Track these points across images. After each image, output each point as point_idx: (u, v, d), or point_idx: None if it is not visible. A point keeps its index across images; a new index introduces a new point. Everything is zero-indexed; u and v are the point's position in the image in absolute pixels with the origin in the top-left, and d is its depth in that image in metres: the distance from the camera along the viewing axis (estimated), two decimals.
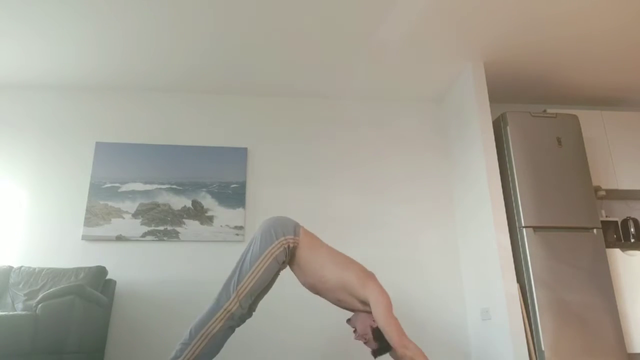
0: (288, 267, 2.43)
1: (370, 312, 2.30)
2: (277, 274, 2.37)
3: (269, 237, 2.28)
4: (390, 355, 2.44)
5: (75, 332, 2.59)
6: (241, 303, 2.20)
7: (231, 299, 2.19)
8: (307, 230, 2.40)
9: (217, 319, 2.17)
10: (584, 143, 3.51)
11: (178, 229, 3.59)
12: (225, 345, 2.28)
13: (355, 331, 2.39)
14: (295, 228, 2.34)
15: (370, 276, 2.32)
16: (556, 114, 3.57)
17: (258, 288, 2.25)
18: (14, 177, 3.64)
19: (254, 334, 3.40)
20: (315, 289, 2.37)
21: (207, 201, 3.69)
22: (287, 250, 2.29)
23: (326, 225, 3.73)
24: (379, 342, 2.30)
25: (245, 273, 2.23)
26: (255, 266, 2.24)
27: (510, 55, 3.58)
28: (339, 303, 2.38)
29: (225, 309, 2.18)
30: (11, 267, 3.20)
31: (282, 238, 2.28)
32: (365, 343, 2.37)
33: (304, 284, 2.41)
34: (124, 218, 3.57)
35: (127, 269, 3.46)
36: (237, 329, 3.38)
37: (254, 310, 2.36)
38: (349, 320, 2.44)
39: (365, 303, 2.30)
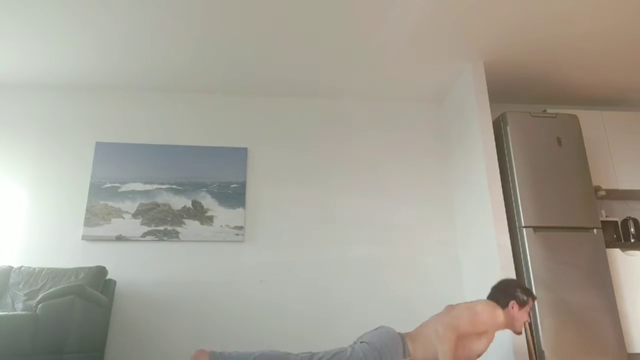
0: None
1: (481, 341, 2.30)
2: None
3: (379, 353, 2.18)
4: None
5: (75, 332, 2.59)
6: None
7: None
8: (410, 335, 2.31)
9: None
10: (584, 143, 3.51)
11: (178, 229, 3.59)
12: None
13: None
14: (405, 348, 2.24)
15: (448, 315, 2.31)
16: (556, 114, 3.56)
17: None
18: (14, 177, 3.64)
19: (256, 331, 3.39)
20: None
21: (207, 201, 3.69)
22: None
23: (326, 225, 3.73)
24: (523, 302, 2.37)
25: None
26: None
27: (510, 55, 3.58)
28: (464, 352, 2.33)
29: None
30: (11, 267, 3.20)
31: None
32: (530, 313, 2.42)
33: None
34: (124, 218, 3.57)
35: (127, 269, 3.46)
36: (239, 324, 3.38)
37: None
38: None
39: (481, 335, 2.30)
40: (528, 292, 2.41)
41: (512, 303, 2.38)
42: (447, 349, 2.12)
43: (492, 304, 2.35)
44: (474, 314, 2.25)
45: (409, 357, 2.20)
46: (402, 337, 2.29)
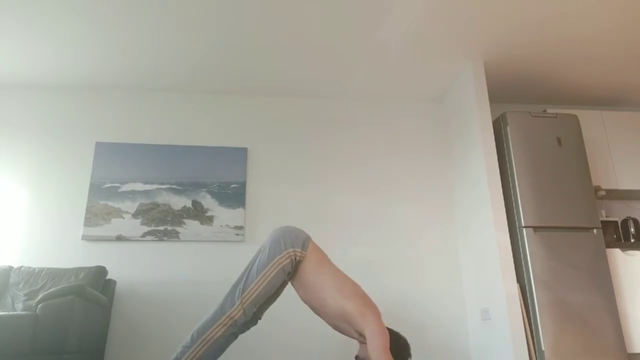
0: None
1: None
2: (283, 284, 2.34)
3: (277, 246, 2.26)
4: None
5: (75, 332, 2.59)
6: (245, 311, 2.18)
7: (235, 306, 2.17)
8: (317, 246, 2.36)
9: (219, 325, 2.15)
10: (584, 143, 3.51)
11: (178, 229, 3.59)
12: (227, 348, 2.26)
13: (357, 357, 2.33)
14: (305, 242, 2.31)
15: (371, 308, 2.24)
16: (556, 114, 3.57)
17: (263, 297, 2.23)
18: (14, 177, 3.64)
19: (255, 334, 3.40)
20: (315, 309, 2.34)
21: (207, 201, 3.69)
22: (293, 262, 2.26)
23: (326, 225, 3.74)
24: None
25: (251, 281, 2.21)
26: (261, 275, 2.21)
27: (510, 55, 3.58)
28: (336, 328, 2.34)
29: (228, 316, 2.16)
30: (11, 267, 3.20)
31: (291, 249, 2.25)
32: None
33: (303, 301, 2.37)
34: (124, 218, 3.57)
35: (127, 269, 3.46)
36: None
37: (260, 319, 2.33)
38: (357, 357, 2.36)
39: (361, 334, 2.24)
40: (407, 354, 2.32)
41: None
42: None
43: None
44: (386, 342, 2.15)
45: (305, 251, 2.26)
46: (308, 237, 2.33)
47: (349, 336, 2.34)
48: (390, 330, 2.25)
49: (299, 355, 3.39)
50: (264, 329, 3.42)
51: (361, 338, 2.27)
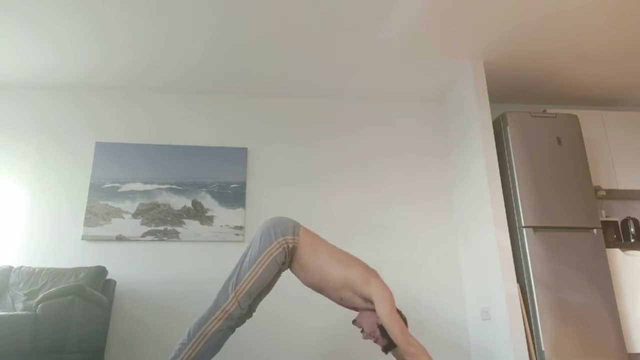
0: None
1: (373, 310, 2.31)
2: (277, 275, 2.37)
3: (268, 237, 2.28)
4: (394, 354, 2.44)
5: (75, 332, 2.59)
6: (240, 303, 2.19)
7: (229, 299, 2.18)
8: (307, 229, 2.40)
9: (215, 319, 2.17)
10: (584, 143, 3.51)
11: (178, 229, 3.59)
12: (225, 345, 2.28)
13: (362, 331, 2.39)
14: (295, 228, 2.34)
15: (373, 273, 2.33)
16: (556, 114, 3.56)
17: (257, 288, 2.25)
18: (14, 177, 3.64)
19: (254, 333, 3.40)
20: (318, 288, 2.37)
21: (207, 201, 3.69)
22: (286, 251, 2.29)
23: (326, 225, 3.73)
24: (387, 338, 2.31)
25: (244, 273, 2.23)
26: (254, 266, 2.24)
27: (510, 55, 3.58)
28: (341, 302, 2.38)
29: (223, 309, 2.17)
30: (11, 267, 3.20)
31: (281, 238, 2.28)
32: (375, 341, 2.38)
33: (306, 284, 2.40)
34: (124, 218, 3.57)
35: (127, 269, 3.46)
36: (237, 329, 3.38)
37: (254, 311, 2.35)
38: (354, 322, 2.45)
39: (368, 300, 2.30)
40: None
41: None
42: (416, 351, 2.14)
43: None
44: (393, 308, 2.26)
45: (297, 237, 2.30)
46: (297, 223, 2.38)
47: (353, 307, 2.39)
48: None
49: (299, 354, 3.39)
50: (265, 328, 3.42)
51: (367, 304, 2.32)
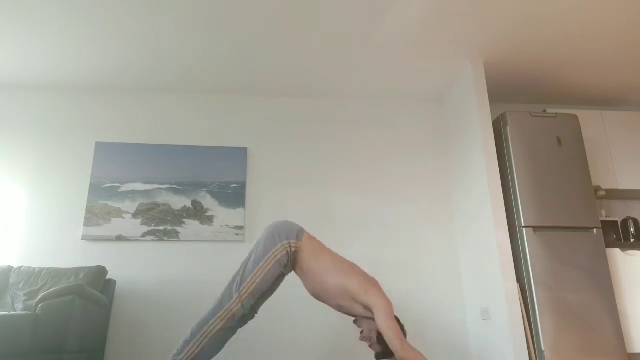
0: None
1: (372, 319, 2.32)
2: (281, 277, 2.39)
3: (272, 240, 2.31)
4: None
5: (75, 332, 2.59)
6: (243, 304, 2.22)
7: (233, 299, 2.22)
8: (311, 235, 2.43)
9: (218, 319, 2.20)
10: (584, 143, 3.51)
11: (178, 229, 3.59)
12: (227, 344, 2.30)
13: (362, 332, 2.40)
14: (299, 233, 2.37)
15: (372, 282, 2.35)
16: (556, 114, 3.57)
17: (260, 290, 2.28)
18: (13, 177, 3.63)
19: (254, 330, 3.40)
20: (317, 295, 2.40)
21: (207, 201, 3.69)
22: (289, 254, 2.31)
23: (326, 225, 3.73)
24: (383, 346, 2.32)
25: (249, 274, 2.26)
26: (258, 268, 2.27)
27: (510, 55, 3.58)
28: (340, 309, 2.40)
29: (227, 309, 2.21)
30: (11, 267, 3.20)
31: (285, 241, 2.31)
32: (370, 346, 2.39)
33: (308, 291, 2.43)
34: (124, 218, 3.57)
35: (127, 269, 3.46)
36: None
37: (256, 312, 2.37)
38: (355, 322, 2.46)
39: (367, 308, 2.31)
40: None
41: None
42: (399, 343, 2.17)
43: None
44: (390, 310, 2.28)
45: (299, 242, 2.33)
46: (301, 229, 2.41)
47: (352, 314, 2.40)
48: None
49: (300, 353, 3.39)
50: (266, 327, 3.42)
51: (366, 312, 2.33)
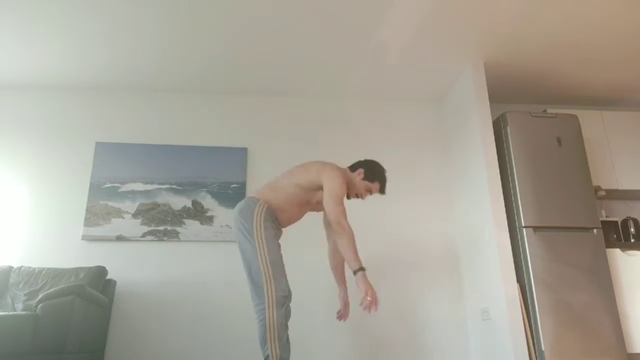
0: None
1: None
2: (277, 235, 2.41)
3: (245, 224, 2.31)
4: (328, 235, 2.65)
5: (75, 332, 2.59)
6: (276, 290, 2.19)
7: (267, 292, 2.19)
8: (259, 190, 2.47)
9: (271, 319, 2.17)
10: (584, 143, 3.51)
11: (178, 229, 3.59)
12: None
13: (364, 298, 2.26)
14: (250, 200, 2.39)
15: (328, 164, 2.43)
16: (556, 114, 3.57)
17: (278, 263, 2.26)
18: (14, 177, 3.64)
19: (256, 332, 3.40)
20: (289, 216, 2.46)
21: (207, 201, 3.69)
22: (270, 215, 2.34)
23: None
24: (370, 178, 2.49)
25: (257, 268, 2.24)
26: (260, 252, 2.26)
27: (510, 55, 3.58)
28: (299, 214, 2.50)
29: (268, 303, 2.17)
30: (11, 267, 3.20)
31: (255, 214, 2.32)
32: (369, 194, 2.57)
33: (283, 222, 2.48)
34: (124, 218, 3.57)
35: (127, 269, 3.46)
36: (238, 328, 3.39)
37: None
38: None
39: (320, 187, 2.38)
40: (381, 178, 2.55)
41: (360, 170, 2.53)
42: (348, 238, 2.24)
43: (337, 167, 2.48)
44: (338, 183, 2.33)
45: (265, 206, 2.35)
46: (254, 198, 2.41)
47: (307, 209, 2.55)
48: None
49: (301, 352, 3.39)
50: None
51: (320, 193, 2.41)
